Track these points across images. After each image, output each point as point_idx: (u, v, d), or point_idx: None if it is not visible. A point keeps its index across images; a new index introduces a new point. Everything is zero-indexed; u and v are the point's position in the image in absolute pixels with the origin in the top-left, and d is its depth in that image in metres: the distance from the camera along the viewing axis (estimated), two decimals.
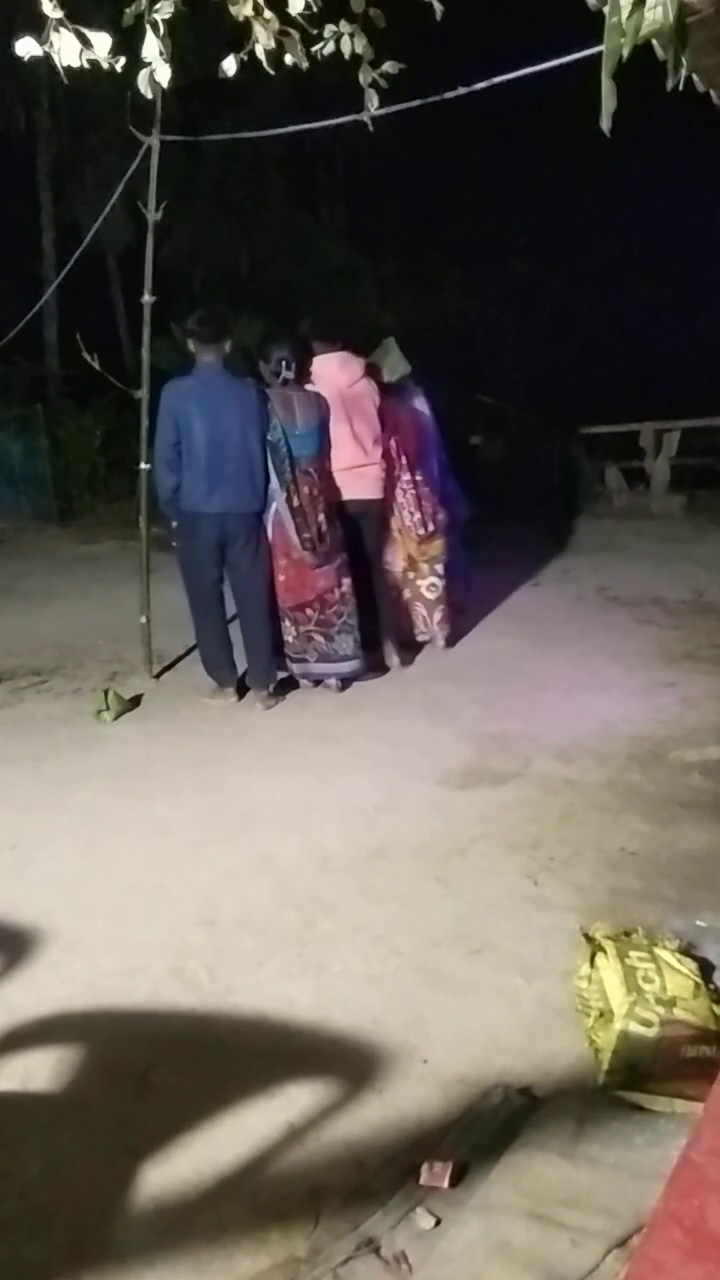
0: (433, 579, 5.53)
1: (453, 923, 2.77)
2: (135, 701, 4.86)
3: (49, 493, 12.28)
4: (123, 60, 3.09)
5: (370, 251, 17.13)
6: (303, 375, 4.92)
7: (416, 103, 4.19)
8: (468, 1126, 1.99)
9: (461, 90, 4.02)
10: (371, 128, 4.14)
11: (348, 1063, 2.22)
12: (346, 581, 4.91)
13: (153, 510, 5.29)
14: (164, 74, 3.23)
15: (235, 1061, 2.23)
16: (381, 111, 3.95)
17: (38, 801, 3.74)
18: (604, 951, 2.26)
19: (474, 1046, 2.24)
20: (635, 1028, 2.04)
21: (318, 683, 4.99)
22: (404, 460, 5.35)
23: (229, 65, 3.42)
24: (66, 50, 2.94)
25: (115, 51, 3.01)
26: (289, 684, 4.99)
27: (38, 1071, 2.22)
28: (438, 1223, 1.76)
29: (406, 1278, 1.65)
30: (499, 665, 5.31)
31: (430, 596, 5.54)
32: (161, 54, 3.16)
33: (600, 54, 2.04)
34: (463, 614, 5.89)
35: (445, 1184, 1.82)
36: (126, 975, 2.57)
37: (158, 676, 5.27)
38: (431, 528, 5.45)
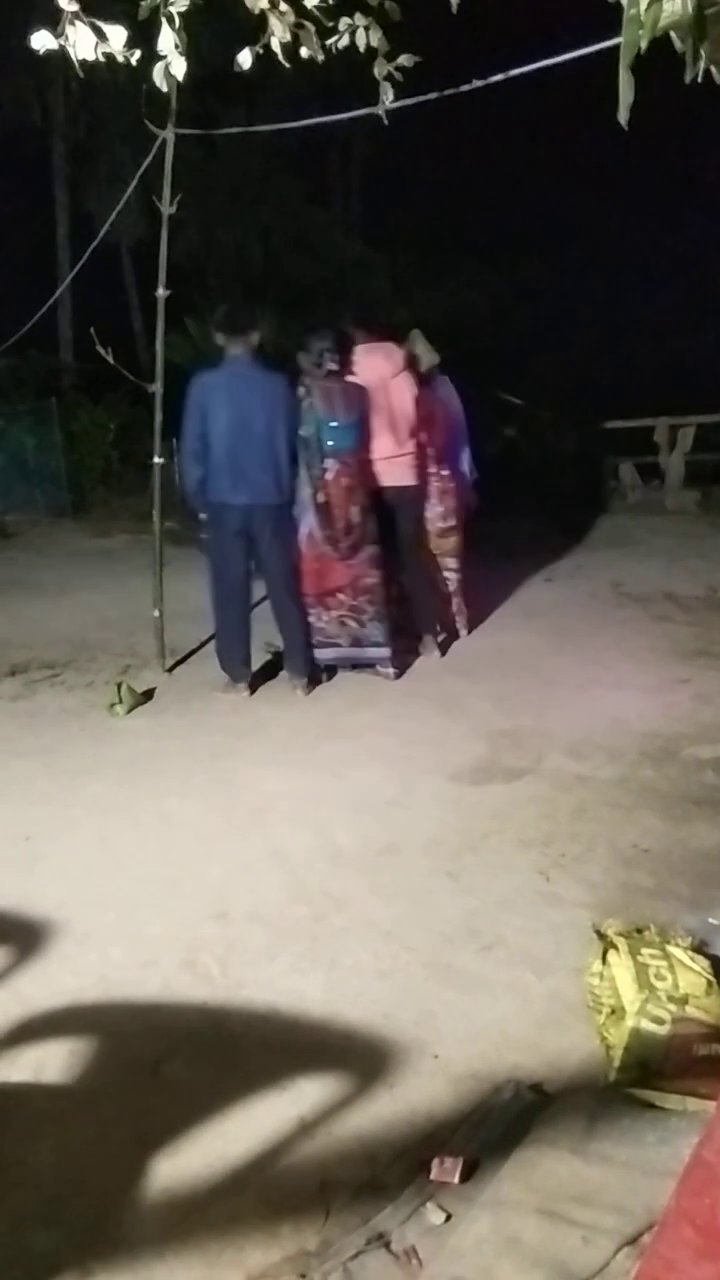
0: (447, 573, 5.61)
1: (464, 918, 2.77)
2: (148, 695, 4.87)
3: (63, 486, 12.32)
4: (138, 53, 3.09)
5: (385, 246, 17.08)
6: (344, 366, 4.92)
7: (432, 95, 4.16)
8: (478, 1122, 1.99)
9: (477, 83, 3.99)
10: (387, 121, 4.12)
11: (359, 1057, 2.22)
12: (378, 571, 4.93)
13: (166, 504, 5.29)
14: (179, 67, 3.22)
15: (247, 1055, 2.24)
16: (397, 105, 3.93)
17: (50, 794, 3.75)
18: (616, 948, 2.25)
19: (485, 1042, 2.24)
20: (647, 1025, 2.03)
21: (354, 666, 5.02)
22: (432, 452, 5.40)
23: (244, 58, 3.41)
24: (82, 43, 2.93)
25: (130, 45, 3.00)
26: (325, 673, 5.01)
27: (50, 1063, 2.23)
28: (448, 1218, 1.76)
29: (417, 1273, 1.66)
30: (511, 661, 5.30)
31: (446, 589, 5.62)
32: (177, 47, 3.15)
33: (618, 46, 2.02)
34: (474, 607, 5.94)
35: (456, 1179, 1.82)
36: (138, 968, 2.58)
37: (170, 670, 5.29)
38: (452, 522, 5.52)
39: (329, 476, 4.71)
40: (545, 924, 2.72)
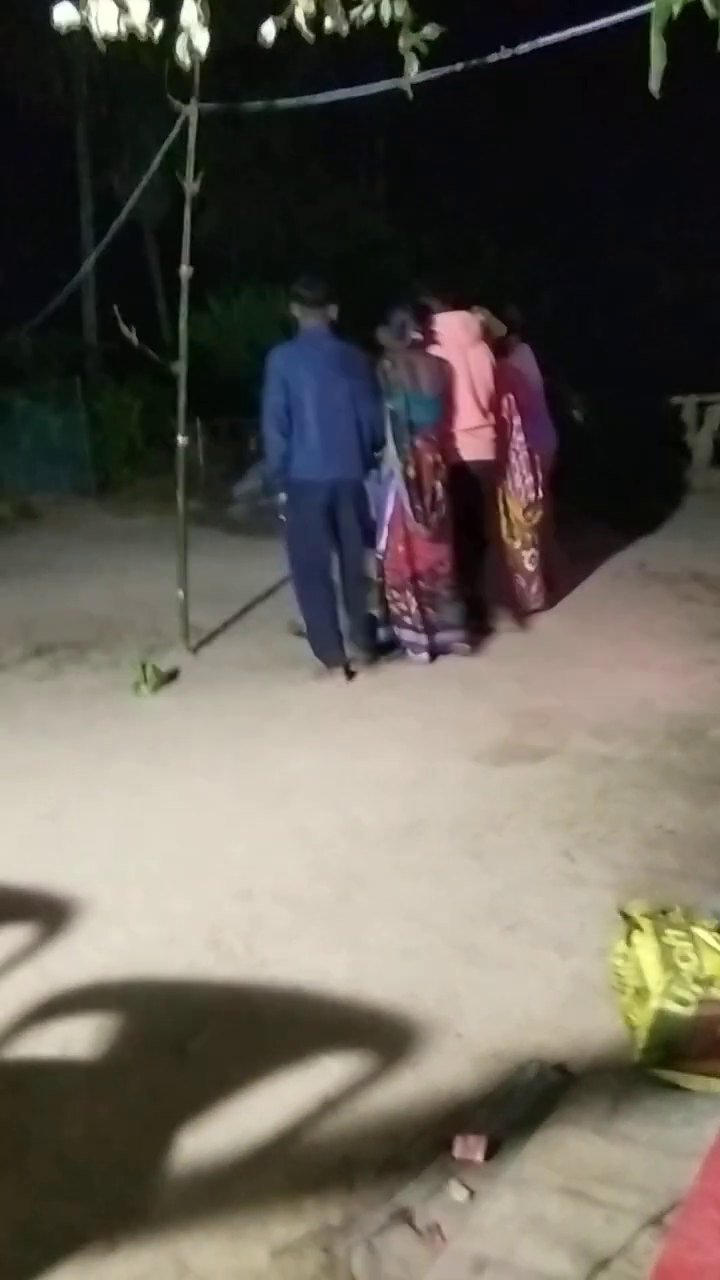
0: (532, 549, 5.53)
1: (488, 899, 2.77)
2: (173, 675, 4.89)
3: (87, 467, 12.34)
4: (160, 26, 3.06)
5: (410, 223, 16.93)
6: (425, 336, 4.89)
7: (458, 66, 4.11)
8: (502, 1101, 1.99)
9: (505, 53, 3.93)
10: (411, 95, 4.06)
11: (382, 1036, 2.23)
12: (455, 552, 4.91)
13: (190, 484, 5.29)
14: (202, 40, 3.20)
15: (271, 1032, 2.24)
16: (422, 77, 3.88)
17: (76, 773, 3.78)
18: (641, 929, 2.24)
19: (508, 1022, 2.23)
20: (672, 1006, 2.02)
21: (434, 655, 4.92)
22: (516, 421, 5.35)
23: (268, 30, 3.38)
24: (104, 17, 2.92)
25: (153, 17, 2.98)
26: (386, 652, 4.98)
27: (76, 1039, 2.25)
28: (471, 1195, 1.76)
29: (440, 1249, 1.66)
30: (535, 642, 5.27)
31: (530, 568, 5.54)
32: (200, 19, 3.12)
33: (649, 13, 1.98)
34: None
35: (479, 1157, 1.82)
36: (164, 945, 2.60)
37: (195, 650, 5.30)
38: (540, 494, 5.45)
39: (420, 451, 4.69)
40: (569, 904, 2.71)
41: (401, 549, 4.81)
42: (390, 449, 4.69)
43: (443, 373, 4.84)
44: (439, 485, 4.77)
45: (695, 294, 16.01)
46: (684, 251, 16.62)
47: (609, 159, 17.25)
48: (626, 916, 2.33)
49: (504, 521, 5.44)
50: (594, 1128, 1.88)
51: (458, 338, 5.03)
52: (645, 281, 16.81)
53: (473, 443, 5.10)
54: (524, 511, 5.43)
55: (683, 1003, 2.01)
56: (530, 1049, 2.14)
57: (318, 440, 4.50)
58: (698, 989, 2.04)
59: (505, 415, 5.29)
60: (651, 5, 1.94)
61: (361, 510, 4.74)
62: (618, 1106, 1.94)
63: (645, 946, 2.17)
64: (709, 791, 3.39)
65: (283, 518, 4.82)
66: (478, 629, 5.15)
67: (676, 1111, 1.92)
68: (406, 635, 4.93)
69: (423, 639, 4.91)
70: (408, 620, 4.89)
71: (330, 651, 4.77)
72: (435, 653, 4.94)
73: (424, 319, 4.90)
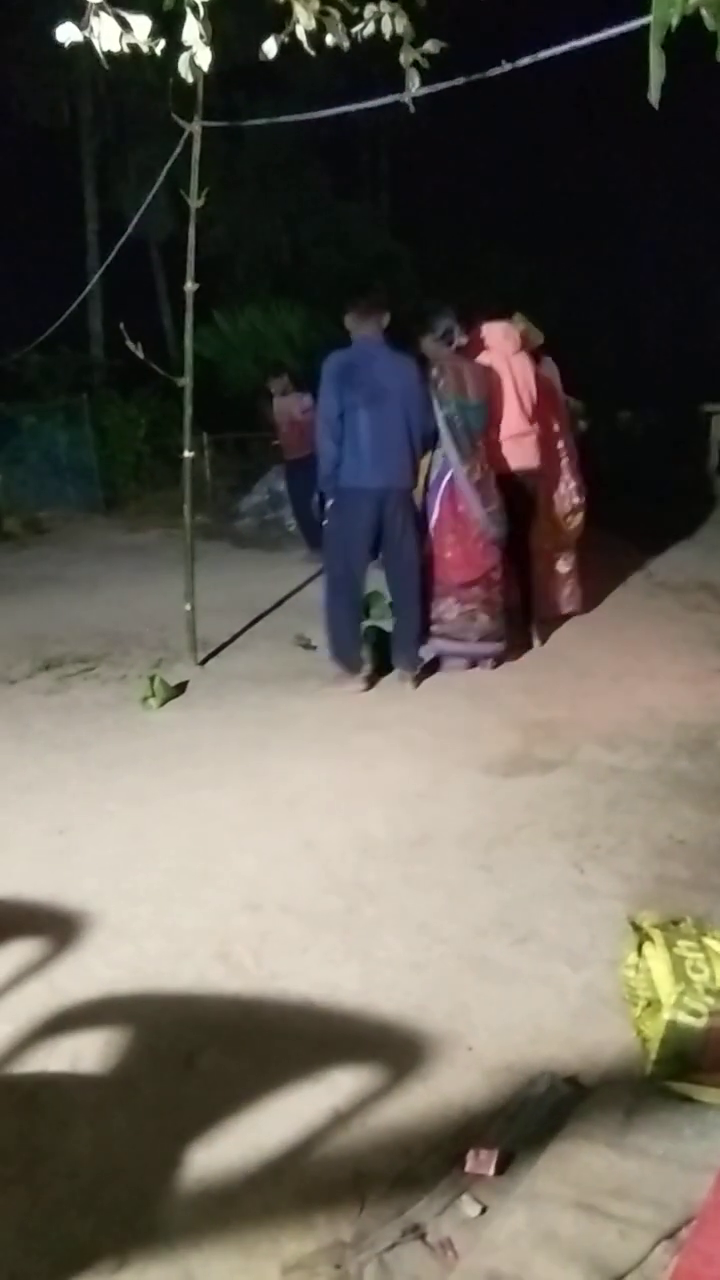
0: (568, 551, 5.57)
1: (497, 911, 2.76)
2: (181, 688, 4.89)
3: (95, 482, 12.42)
4: (162, 43, 3.09)
5: (413, 237, 17.02)
6: (472, 343, 4.97)
7: (459, 80, 4.12)
8: (513, 1115, 1.97)
9: (505, 66, 3.94)
10: (413, 109, 4.09)
11: (392, 1049, 2.22)
12: (502, 562, 4.94)
13: (197, 498, 5.30)
14: (205, 58, 3.23)
15: (281, 1046, 2.23)
16: (423, 91, 3.90)
17: (85, 787, 3.78)
18: (652, 940, 2.23)
19: (519, 1035, 2.22)
20: (684, 1018, 2.00)
21: (473, 664, 4.94)
22: (557, 427, 5.40)
23: (269, 47, 3.41)
24: (106, 35, 2.94)
25: (155, 35, 3.01)
26: (432, 665, 4.98)
27: (86, 1053, 2.24)
28: (483, 1210, 1.75)
29: (452, 1265, 1.65)
30: (544, 652, 5.26)
31: (564, 570, 5.57)
32: (202, 37, 3.15)
33: (648, 26, 1.99)
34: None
35: (491, 1172, 1.81)
36: (172, 959, 2.59)
37: (203, 663, 5.31)
38: (581, 499, 5.50)
39: (477, 455, 4.74)
40: (579, 916, 2.70)
41: (451, 555, 4.81)
42: (452, 455, 4.71)
43: (488, 380, 4.88)
44: (495, 490, 4.84)
45: (696, 305, 16.05)
46: (690, 261, 16.67)
47: (613, 169, 17.32)
48: (637, 928, 2.32)
49: (545, 526, 5.46)
50: (607, 1141, 1.87)
51: (501, 346, 5.11)
52: (650, 291, 16.86)
53: (518, 450, 5.13)
54: (565, 517, 5.46)
55: (695, 1014, 2.00)
56: (542, 1062, 2.12)
57: (369, 448, 4.54)
58: (710, 1000, 2.02)
59: (551, 421, 5.34)
60: (650, 19, 1.95)
61: (410, 518, 4.75)
62: (630, 1120, 1.92)
63: (657, 958, 2.16)
64: (719, 801, 3.37)
65: (325, 523, 4.85)
66: (519, 639, 5.17)
67: (690, 1124, 1.91)
68: (441, 645, 4.93)
69: (461, 647, 4.90)
70: (438, 629, 4.89)
71: (349, 657, 4.81)
72: (475, 661, 4.95)
73: (467, 326, 4.95)
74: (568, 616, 5.74)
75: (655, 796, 3.44)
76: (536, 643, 5.31)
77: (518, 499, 5.13)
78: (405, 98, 3.99)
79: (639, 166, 16.78)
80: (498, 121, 16.23)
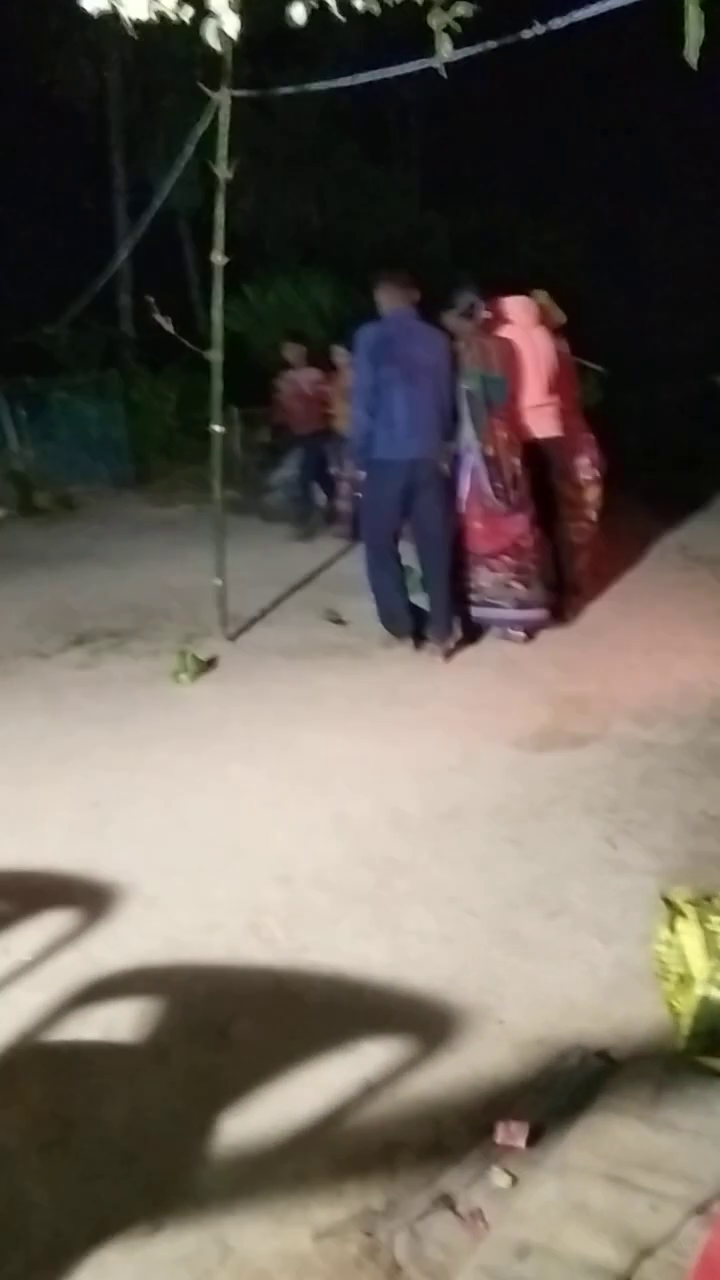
0: (583, 523, 5.58)
1: (528, 885, 2.75)
2: (211, 663, 4.91)
3: (125, 457, 12.42)
4: (190, 11, 3.05)
5: (443, 207, 16.78)
6: (495, 317, 5.03)
7: (492, 44, 4.04)
8: (544, 1088, 1.98)
9: (538, 28, 3.85)
10: (445, 74, 4.01)
11: (423, 1022, 2.23)
12: (537, 529, 4.98)
13: (227, 473, 5.30)
14: (232, 25, 3.18)
15: (312, 1017, 2.25)
16: (454, 56, 3.82)
17: (117, 760, 3.81)
18: (684, 916, 2.21)
19: (550, 1009, 2.22)
20: (716, 993, 1.99)
21: (509, 629, 5.00)
22: (574, 403, 5.49)
23: (298, 13, 3.35)
24: (133, 2, 2.91)
25: (182, 2, 2.97)
26: (470, 635, 5.00)
27: (119, 1023, 2.27)
28: (514, 1181, 1.75)
29: (482, 1235, 1.66)
30: (577, 626, 5.22)
31: (579, 541, 5.58)
32: (229, 4, 3.11)
33: None
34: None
35: (521, 1144, 1.82)
36: (205, 931, 2.61)
37: (233, 638, 5.32)
38: (596, 473, 5.55)
39: (495, 430, 4.78)
40: (611, 891, 2.69)
41: (479, 526, 4.87)
42: (468, 429, 4.76)
43: (509, 353, 4.94)
44: (517, 461, 4.87)
45: None
46: None
47: (651, 134, 16.96)
48: (670, 903, 2.30)
49: (564, 499, 5.49)
50: (638, 1115, 1.87)
51: (521, 319, 5.17)
52: (688, 262, 16.53)
53: (539, 421, 5.19)
54: (582, 489, 5.50)
55: None
56: (573, 1036, 2.13)
57: (402, 420, 4.60)
58: None
59: (569, 394, 5.40)
60: None
61: (440, 490, 4.80)
62: (661, 1094, 1.92)
63: (689, 933, 2.15)
64: None
65: (357, 495, 4.94)
66: (556, 608, 5.18)
67: None
68: (481, 612, 4.99)
69: (499, 614, 4.96)
70: (474, 597, 4.96)
71: (396, 622, 4.91)
72: (512, 628, 4.99)
73: (488, 299, 5.02)
74: (592, 591, 5.73)
75: (689, 772, 3.41)
76: (570, 613, 5.32)
77: (543, 467, 5.17)
78: (436, 63, 3.91)
79: (678, 131, 16.40)
80: (530, 87, 15.92)
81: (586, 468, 5.51)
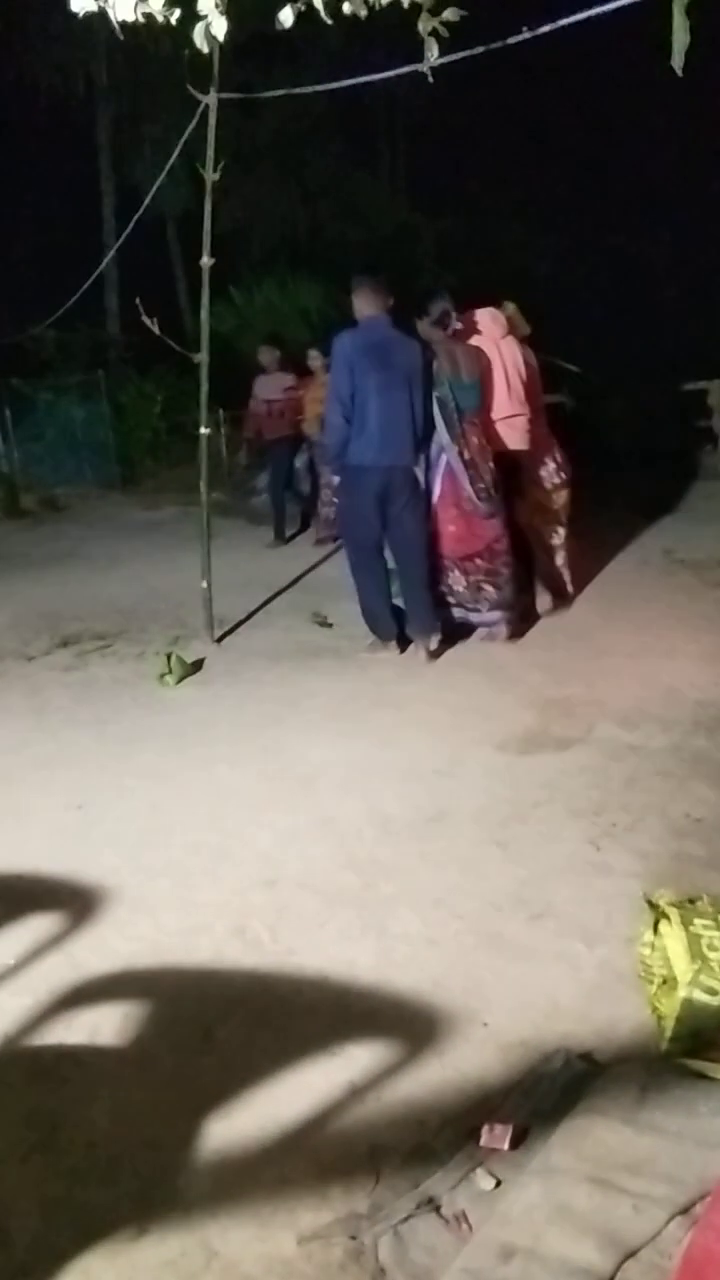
0: (557, 526, 5.63)
1: (513, 888, 2.76)
2: (197, 665, 4.90)
3: (111, 459, 12.41)
4: (177, 13, 3.05)
5: (430, 210, 16.83)
6: (465, 326, 5.09)
7: (479, 49, 4.04)
8: (528, 1090, 1.98)
9: (525, 34, 3.86)
10: (431, 79, 4.02)
11: (408, 1024, 2.23)
12: (507, 533, 5.05)
13: (213, 475, 5.30)
14: (220, 27, 3.18)
15: (298, 1020, 2.25)
16: (441, 60, 3.83)
17: (103, 763, 3.80)
18: (668, 918, 2.22)
19: (535, 1011, 2.23)
20: (700, 995, 2.00)
21: (482, 630, 5.07)
22: (540, 412, 5.52)
23: (286, 16, 3.35)
24: (121, 4, 2.91)
25: (171, 4, 2.97)
26: (451, 637, 5.02)
27: (105, 1026, 2.27)
28: (498, 1184, 1.76)
29: (466, 1237, 1.66)
30: (562, 630, 5.24)
31: (556, 544, 5.63)
32: (217, 6, 3.11)
33: None
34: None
35: (505, 1146, 1.82)
36: (190, 934, 2.61)
37: (219, 641, 5.31)
38: (564, 478, 5.59)
39: (468, 435, 4.84)
40: (595, 894, 2.70)
41: (454, 529, 4.93)
42: (443, 434, 4.82)
43: (479, 361, 5.00)
44: (491, 466, 4.94)
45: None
46: (712, 235, 16.41)
47: (635, 140, 17.05)
48: (654, 905, 2.32)
49: (530, 504, 5.52)
50: (621, 1117, 1.87)
51: (489, 330, 5.22)
52: (671, 265, 16.62)
53: (509, 433, 5.24)
54: (551, 494, 5.53)
55: (711, 992, 2.00)
56: (557, 1038, 2.13)
57: (376, 427, 4.63)
58: None
59: (538, 404, 5.43)
60: None
61: (415, 495, 4.85)
62: (645, 1096, 1.93)
63: (673, 936, 2.16)
64: None
65: (334, 500, 4.97)
66: (525, 611, 5.28)
67: (705, 1101, 1.91)
68: (471, 616, 5.05)
69: (474, 617, 5.04)
70: (451, 600, 5.01)
71: (381, 625, 4.93)
72: (490, 629, 5.06)
73: (459, 309, 5.07)
74: (577, 593, 5.76)
75: (673, 775, 3.43)
76: (546, 617, 5.40)
77: (512, 475, 5.25)
78: (424, 67, 3.92)
79: (662, 135, 16.50)
80: (517, 91, 15.99)
81: (553, 472, 5.56)
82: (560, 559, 5.64)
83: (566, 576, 5.70)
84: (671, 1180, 1.72)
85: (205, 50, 3.39)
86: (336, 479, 4.95)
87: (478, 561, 4.97)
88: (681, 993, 2.02)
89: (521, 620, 5.19)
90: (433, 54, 3.81)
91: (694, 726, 3.83)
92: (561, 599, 5.61)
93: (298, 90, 5.33)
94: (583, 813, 3.18)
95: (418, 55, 3.86)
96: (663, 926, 2.22)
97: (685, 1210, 1.67)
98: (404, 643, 4.93)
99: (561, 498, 5.59)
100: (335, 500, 5.02)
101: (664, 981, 2.13)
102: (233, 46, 3.51)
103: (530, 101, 16.75)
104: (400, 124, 18.80)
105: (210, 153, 4.75)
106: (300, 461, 8.52)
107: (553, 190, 17.22)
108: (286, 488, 8.50)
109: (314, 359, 8.18)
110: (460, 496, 4.87)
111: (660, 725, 3.86)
